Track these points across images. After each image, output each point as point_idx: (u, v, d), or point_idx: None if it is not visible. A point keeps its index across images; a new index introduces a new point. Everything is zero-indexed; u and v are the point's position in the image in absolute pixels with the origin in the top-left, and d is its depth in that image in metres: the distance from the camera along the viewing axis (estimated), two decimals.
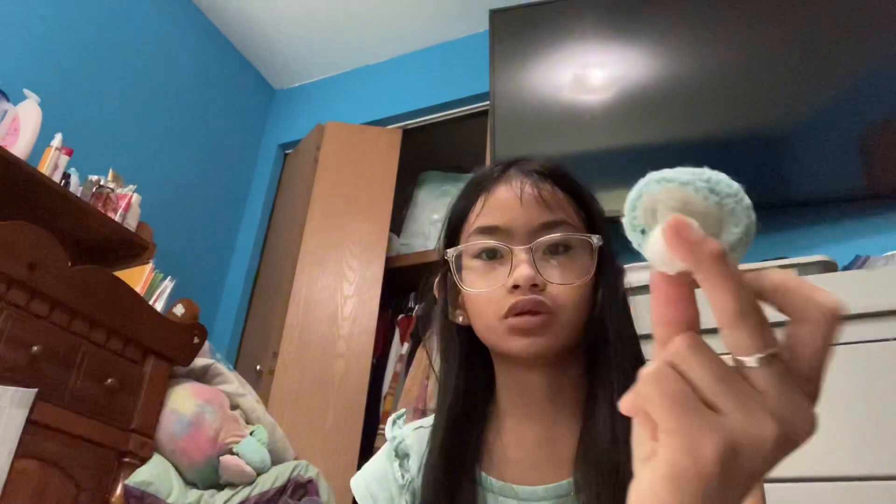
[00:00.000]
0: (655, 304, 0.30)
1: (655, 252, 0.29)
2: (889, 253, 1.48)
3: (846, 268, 1.53)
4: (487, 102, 2.37)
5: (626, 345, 0.65)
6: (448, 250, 0.68)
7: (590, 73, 2.16)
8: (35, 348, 1.43)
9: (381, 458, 0.74)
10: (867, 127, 1.79)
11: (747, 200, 0.29)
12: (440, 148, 3.01)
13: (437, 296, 0.73)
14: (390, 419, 0.77)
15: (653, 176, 0.30)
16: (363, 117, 2.92)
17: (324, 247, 2.54)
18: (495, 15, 2.36)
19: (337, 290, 2.46)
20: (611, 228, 0.66)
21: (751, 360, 0.28)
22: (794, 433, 0.28)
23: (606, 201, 0.72)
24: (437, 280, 0.73)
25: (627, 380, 0.62)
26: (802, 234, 1.84)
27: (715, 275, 0.27)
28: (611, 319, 0.65)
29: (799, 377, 0.28)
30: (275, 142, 3.18)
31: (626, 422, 0.58)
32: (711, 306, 0.28)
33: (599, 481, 0.58)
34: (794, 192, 1.82)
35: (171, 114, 2.70)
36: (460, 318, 0.69)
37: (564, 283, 0.62)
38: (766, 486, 1.10)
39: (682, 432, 0.27)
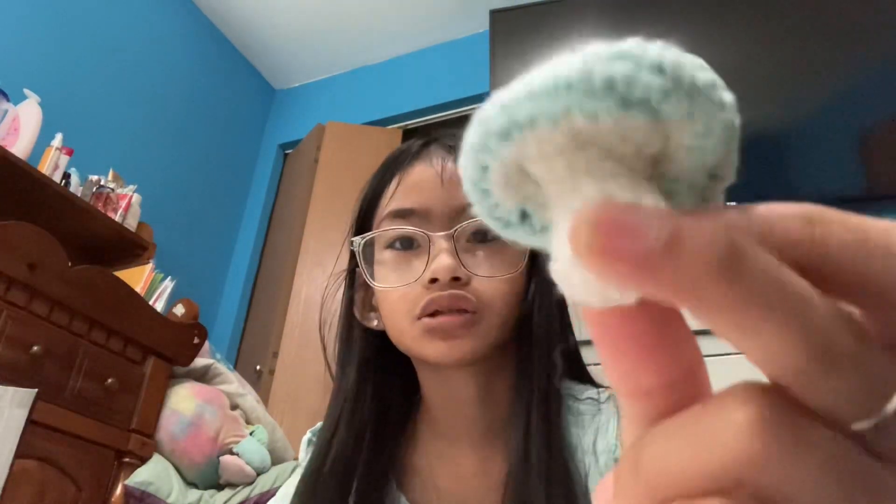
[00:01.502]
0: (611, 359, 0.15)
1: (574, 280, 0.14)
2: None
3: None
4: None
5: (552, 350, 0.54)
6: (355, 239, 0.57)
7: None
8: (35, 348, 1.43)
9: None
10: (867, 127, 1.79)
11: (719, 87, 0.14)
12: None
13: (341, 304, 0.62)
14: (305, 438, 0.64)
15: (508, 103, 0.14)
16: (363, 117, 2.93)
17: (324, 247, 2.54)
18: (495, 15, 2.36)
19: (337, 290, 2.46)
20: None
21: (871, 423, 0.13)
22: None
23: None
24: (343, 277, 0.62)
25: (550, 392, 0.53)
26: None
27: (733, 302, 0.12)
28: (538, 318, 0.54)
29: None
30: (275, 142, 3.18)
31: (542, 447, 0.49)
32: (747, 356, 0.13)
33: None
34: (794, 192, 1.82)
35: (171, 114, 2.70)
36: (374, 323, 0.58)
37: (491, 276, 0.52)
38: None
39: None
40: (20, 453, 1.33)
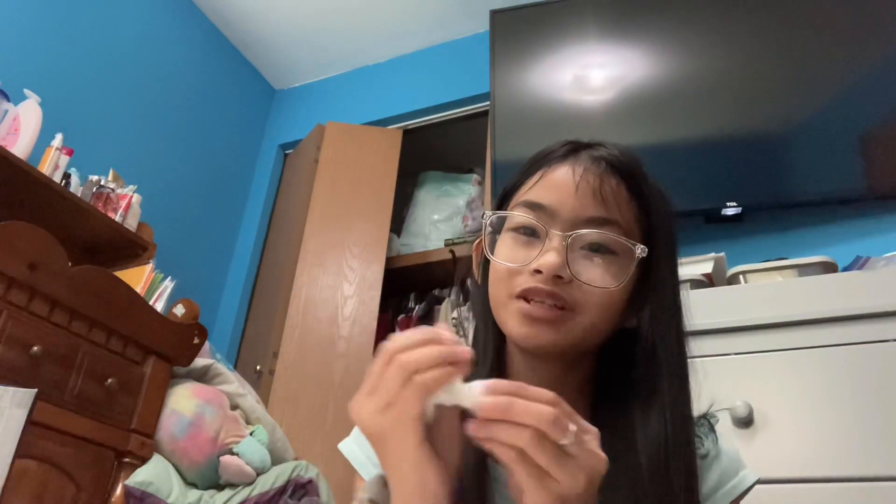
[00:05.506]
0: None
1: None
2: (889, 254, 1.48)
3: (846, 269, 1.53)
4: (488, 103, 2.36)
5: (683, 380, 0.60)
6: (487, 212, 0.65)
7: (590, 74, 2.16)
8: (35, 348, 1.43)
9: None
10: (867, 127, 1.79)
11: None
12: (440, 148, 3.01)
13: (473, 258, 0.71)
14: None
15: None
16: (363, 117, 2.92)
17: (324, 247, 2.54)
18: (496, 15, 2.36)
19: (337, 290, 2.46)
20: (676, 241, 0.65)
21: (564, 440, 0.42)
22: (597, 474, 0.44)
23: None
24: (477, 242, 0.70)
25: (688, 428, 0.58)
26: (802, 235, 1.84)
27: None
28: (661, 345, 0.60)
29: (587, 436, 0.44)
30: (275, 142, 3.18)
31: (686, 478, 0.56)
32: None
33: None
34: (794, 192, 1.82)
35: (171, 114, 2.70)
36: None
37: (590, 285, 0.58)
38: (776, 486, 1.10)
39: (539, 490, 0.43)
40: (20, 453, 1.33)
